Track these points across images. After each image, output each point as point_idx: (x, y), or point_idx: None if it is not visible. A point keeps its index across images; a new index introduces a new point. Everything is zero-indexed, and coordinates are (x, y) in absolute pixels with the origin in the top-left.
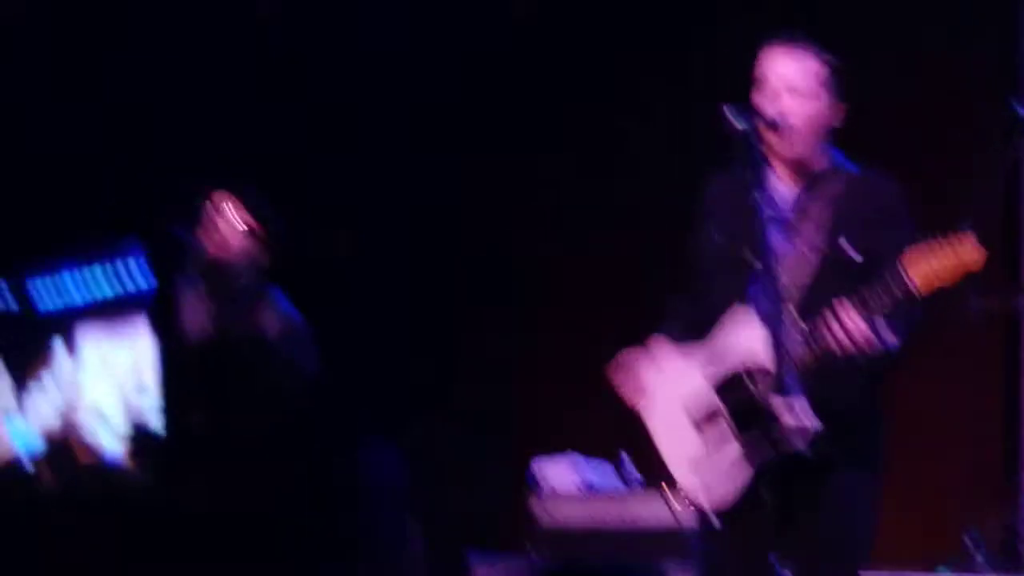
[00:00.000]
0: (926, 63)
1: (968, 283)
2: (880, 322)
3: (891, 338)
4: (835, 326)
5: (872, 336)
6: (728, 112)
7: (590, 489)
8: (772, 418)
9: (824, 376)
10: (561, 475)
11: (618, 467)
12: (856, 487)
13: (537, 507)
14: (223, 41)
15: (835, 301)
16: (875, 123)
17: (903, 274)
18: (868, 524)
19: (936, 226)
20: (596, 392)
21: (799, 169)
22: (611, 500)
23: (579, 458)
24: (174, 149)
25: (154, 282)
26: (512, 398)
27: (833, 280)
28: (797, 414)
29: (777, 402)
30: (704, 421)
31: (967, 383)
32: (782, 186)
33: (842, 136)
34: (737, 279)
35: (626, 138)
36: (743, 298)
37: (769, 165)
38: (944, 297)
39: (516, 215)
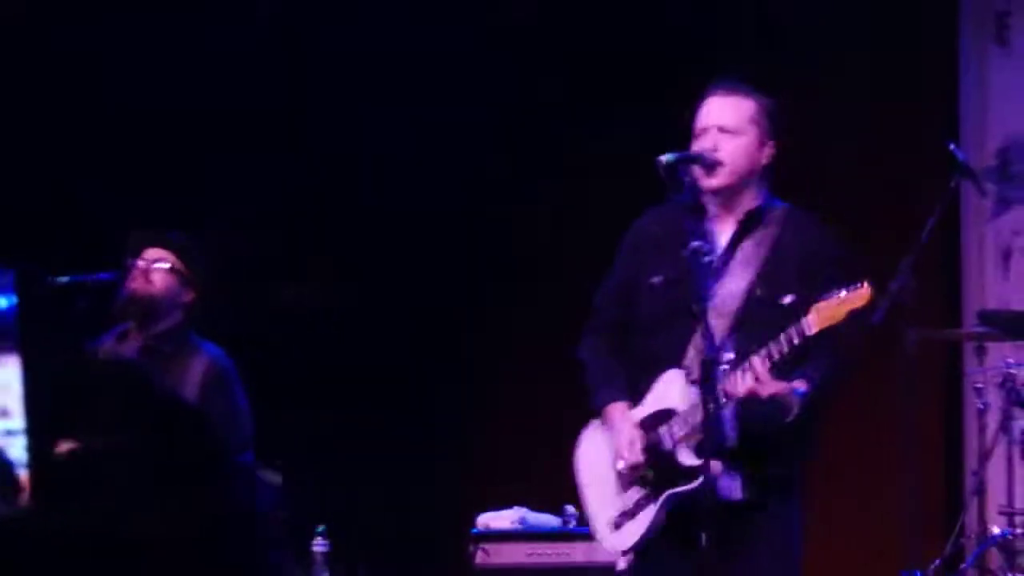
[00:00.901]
0: (868, 104)
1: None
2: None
3: (802, 386)
4: (746, 378)
5: (782, 386)
6: (662, 158)
7: (526, 528)
8: (671, 457)
9: (754, 417)
10: (501, 519)
11: (564, 521)
12: (783, 523)
13: (474, 547)
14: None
15: (750, 357)
16: (820, 164)
17: (802, 323)
18: (797, 560)
19: (879, 262)
20: (545, 445)
21: (732, 209)
22: (547, 539)
23: (525, 511)
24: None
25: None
26: (461, 448)
27: (763, 320)
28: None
29: (683, 444)
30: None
31: (907, 417)
32: (716, 227)
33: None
34: (680, 325)
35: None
36: (686, 343)
37: (703, 206)
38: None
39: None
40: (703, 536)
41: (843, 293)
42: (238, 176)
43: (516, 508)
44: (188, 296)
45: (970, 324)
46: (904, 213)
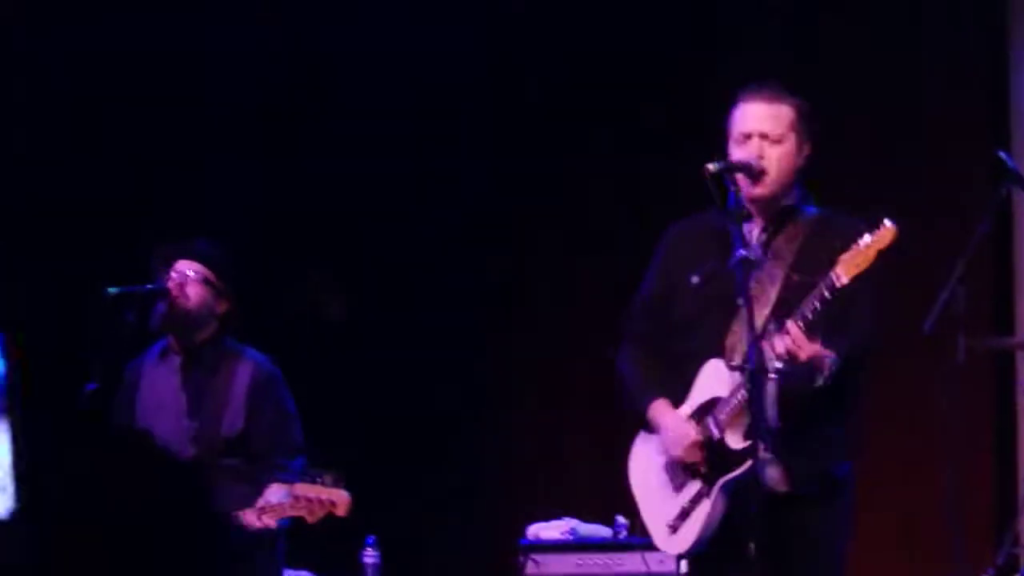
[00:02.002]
0: (918, 111)
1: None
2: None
3: (831, 355)
4: (784, 340)
5: (817, 348)
6: (709, 166)
7: (576, 539)
8: (720, 444)
9: (791, 380)
10: (550, 530)
11: (615, 532)
12: (840, 514)
13: (524, 558)
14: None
15: (782, 323)
16: (868, 170)
17: (831, 274)
18: (844, 555)
19: (929, 269)
20: (596, 455)
21: (767, 210)
22: (597, 550)
23: (574, 521)
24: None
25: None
26: (510, 459)
27: (801, 302)
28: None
29: (731, 429)
30: (670, 467)
31: (957, 426)
32: (749, 226)
33: (831, 182)
34: (721, 318)
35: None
36: (722, 336)
37: (745, 212)
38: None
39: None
40: (751, 546)
41: (866, 237)
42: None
43: (566, 519)
44: (222, 306)
45: (1022, 333)
46: (954, 220)
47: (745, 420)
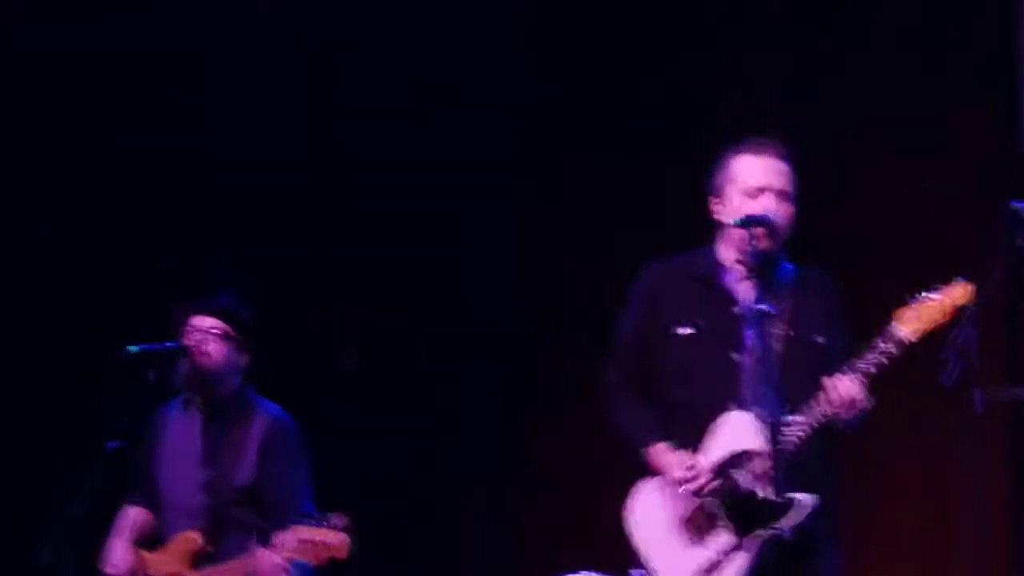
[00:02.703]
0: (925, 158)
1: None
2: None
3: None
4: (835, 395)
5: (863, 399)
6: (735, 219)
7: None
8: (753, 496)
9: (805, 459)
10: None
11: None
12: (838, 565)
13: None
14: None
15: (830, 377)
16: (880, 222)
17: (895, 331)
18: None
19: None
20: (612, 506)
21: (762, 265)
22: None
23: (592, 575)
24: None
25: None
26: (531, 511)
27: (802, 360)
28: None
29: (763, 482)
30: (688, 518)
31: (972, 478)
32: (737, 282)
33: (839, 225)
34: (720, 373)
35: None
36: (731, 393)
37: (758, 261)
38: None
39: None
40: None
41: (935, 295)
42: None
43: (583, 572)
44: (243, 359)
45: None
46: (967, 267)
47: (771, 476)
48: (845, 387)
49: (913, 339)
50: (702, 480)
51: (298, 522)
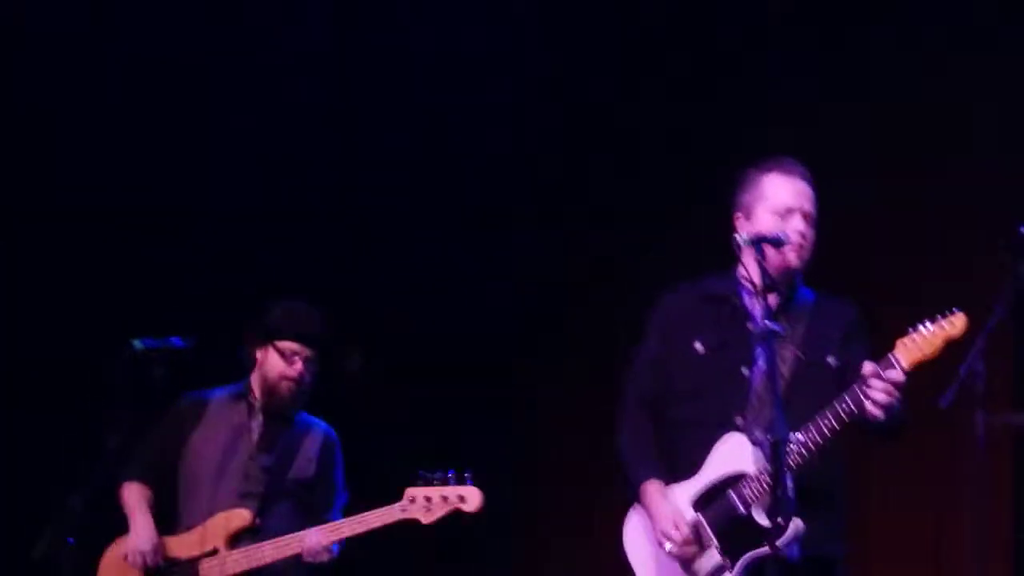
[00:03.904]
0: (936, 181)
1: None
2: None
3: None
4: (875, 389)
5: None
6: (741, 236)
7: None
8: (748, 520)
9: (810, 477)
10: None
11: None
12: None
13: None
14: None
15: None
16: (888, 246)
17: (890, 358)
18: None
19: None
20: (611, 525)
21: (780, 287)
22: None
23: None
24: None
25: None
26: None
27: (812, 381)
28: (782, 516)
29: (756, 505)
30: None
31: (975, 502)
32: (752, 302)
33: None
34: (727, 389)
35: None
36: (739, 408)
37: (750, 282)
38: None
39: None
40: None
41: (929, 326)
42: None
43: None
44: (311, 381)
45: None
46: (973, 293)
47: (767, 499)
48: (888, 377)
49: (906, 369)
50: (681, 542)
51: (425, 479)
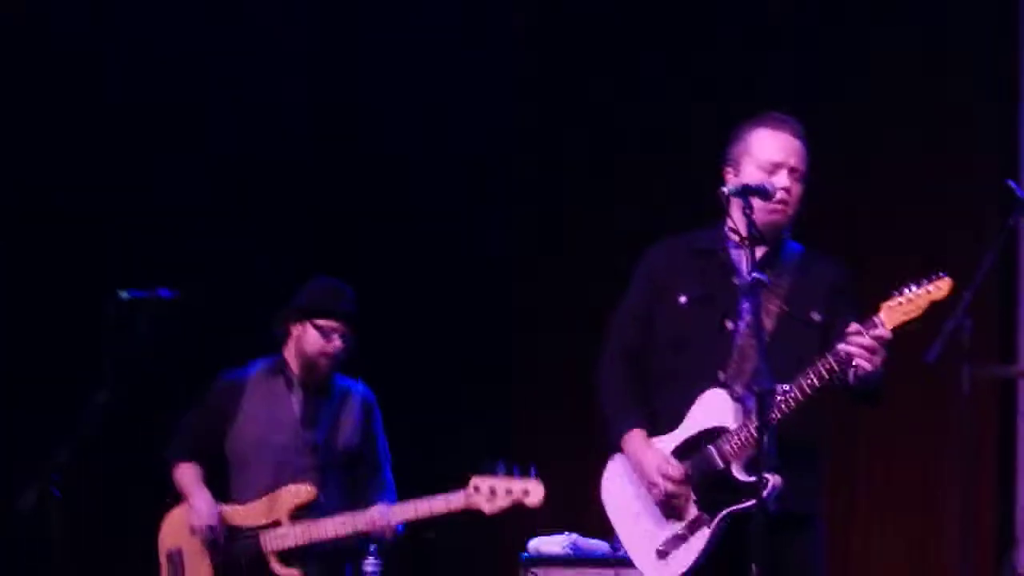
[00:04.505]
0: (926, 137)
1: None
2: None
3: None
4: (859, 348)
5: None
6: (727, 188)
7: (577, 553)
8: (726, 476)
9: (789, 433)
10: (552, 544)
11: (614, 548)
12: (819, 542)
13: (524, 572)
14: None
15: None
16: (875, 195)
17: (874, 320)
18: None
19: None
20: (598, 470)
21: (766, 241)
22: (598, 564)
23: (575, 536)
24: None
25: None
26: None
27: (795, 336)
28: (760, 471)
29: (735, 460)
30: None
31: (960, 455)
32: (739, 255)
33: (836, 208)
34: (709, 343)
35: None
36: (721, 361)
37: (736, 234)
38: None
39: None
40: (753, 567)
41: (914, 288)
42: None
43: (567, 533)
44: (346, 353)
45: None
46: (961, 247)
47: (747, 453)
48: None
49: (887, 331)
50: (678, 479)
51: (490, 471)
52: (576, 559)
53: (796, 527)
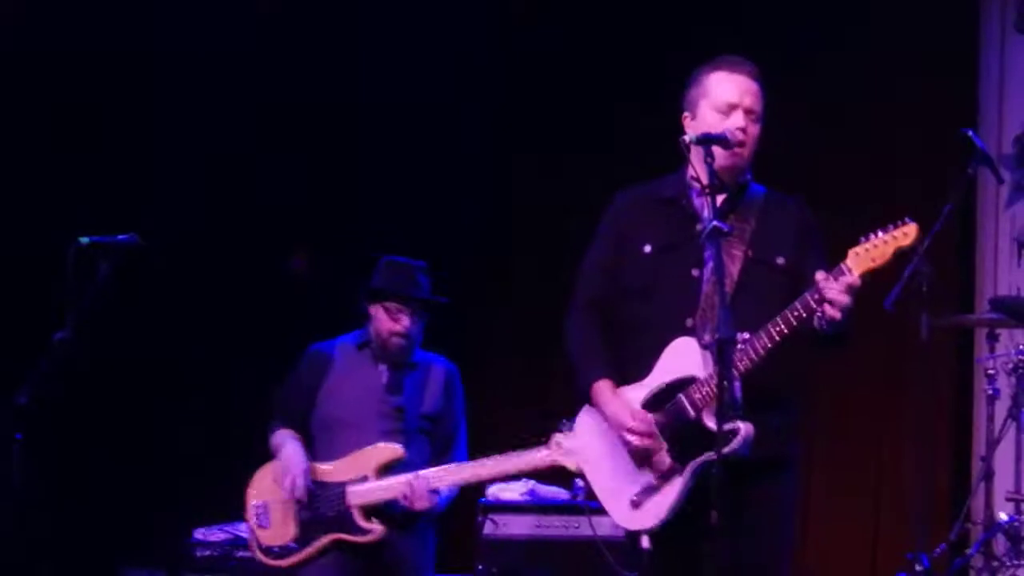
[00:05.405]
0: (886, 91)
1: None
2: None
3: None
4: (828, 293)
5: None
6: (686, 137)
7: (535, 500)
8: (698, 425)
9: (761, 379)
10: (510, 491)
11: (573, 495)
12: (790, 490)
13: (482, 518)
14: None
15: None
16: (837, 149)
17: (841, 266)
18: (792, 532)
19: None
20: (557, 418)
21: (727, 186)
22: (556, 512)
23: (534, 483)
24: None
25: None
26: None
27: (761, 281)
28: (731, 419)
29: (706, 409)
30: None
31: (918, 402)
32: (701, 202)
33: (801, 162)
34: (675, 291)
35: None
36: (688, 309)
37: (698, 182)
38: None
39: None
40: (714, 514)
41: (881, 234)
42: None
43: (526, 480)
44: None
45: (983, 311)
46: (921, 198)
47: (714, 403)
48: (842, 281)
49: (855, 277)
50: (644, 432)
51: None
52: (534, 505)
53: (769, 472)
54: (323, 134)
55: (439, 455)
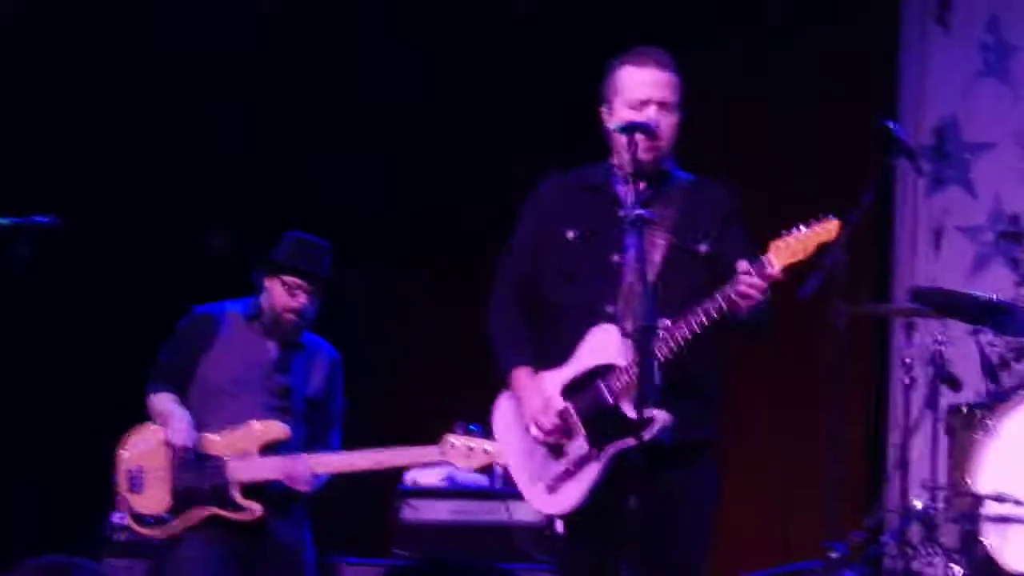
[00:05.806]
0: (809, 81)
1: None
2: None
3: None
4: (747, 286)
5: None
6: (612, 124)
7: (453, 485)
8: (615, 412)
9: (681, 366)
10: (428, 476)
11: (492, 480)
12: (709, 477)
13: (400, 503)
14: None
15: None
16: (758, 137)
17: (763, 260)
18: (712, 519)
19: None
20: (477, 401)
21: (648, 175)
22: (474, 497)
23: (452, 468)
24: None
25: None
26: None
27: (683, 269)
28: (649, 407)
29: (625, 397)
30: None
31: (833, 391)
32: (625, 189)
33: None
34: (598, 278)
35: None
36: (610, 295)
37: (619, 169)
38: None
39: None
40: (632, 499)
41: (803, 229)
42: None
43: (444, 465)
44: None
45: (901, 301)
46: (841, 188)
47: (634, 390)
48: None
49: (774, 269)
50: (549, 430)
51: (464, 430)
52: (452, 491)
53: (687, 458)
54: (323, 134)
55: (314, 441)
